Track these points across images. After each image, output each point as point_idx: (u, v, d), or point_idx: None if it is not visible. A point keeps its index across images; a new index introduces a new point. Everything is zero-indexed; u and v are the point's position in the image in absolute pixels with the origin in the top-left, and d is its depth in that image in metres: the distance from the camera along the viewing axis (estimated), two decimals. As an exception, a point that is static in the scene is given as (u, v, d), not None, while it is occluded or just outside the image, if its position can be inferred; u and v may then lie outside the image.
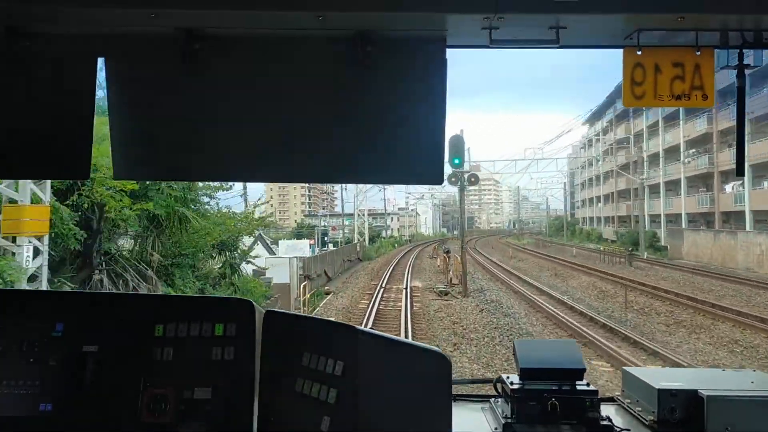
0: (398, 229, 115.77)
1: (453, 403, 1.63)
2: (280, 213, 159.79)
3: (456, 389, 2.18)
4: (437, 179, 1.82)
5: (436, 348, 1.66)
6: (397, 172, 1.87)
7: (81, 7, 1.71)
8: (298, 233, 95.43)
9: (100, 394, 1.97)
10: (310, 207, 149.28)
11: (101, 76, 1.88)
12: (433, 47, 1.81)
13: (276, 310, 2.06)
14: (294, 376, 1.83)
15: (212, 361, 1.95)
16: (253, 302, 2.02)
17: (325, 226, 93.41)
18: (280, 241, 79.85)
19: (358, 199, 72.39)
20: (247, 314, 1.98)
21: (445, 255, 36.31)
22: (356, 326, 1.78)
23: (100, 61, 1.87)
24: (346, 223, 75.89)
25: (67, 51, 1.84)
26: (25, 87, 1.87)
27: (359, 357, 1.68)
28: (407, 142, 1.83)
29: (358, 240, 64.57)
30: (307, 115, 1.84)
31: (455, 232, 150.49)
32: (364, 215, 75.35)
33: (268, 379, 1.92)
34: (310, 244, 75.11)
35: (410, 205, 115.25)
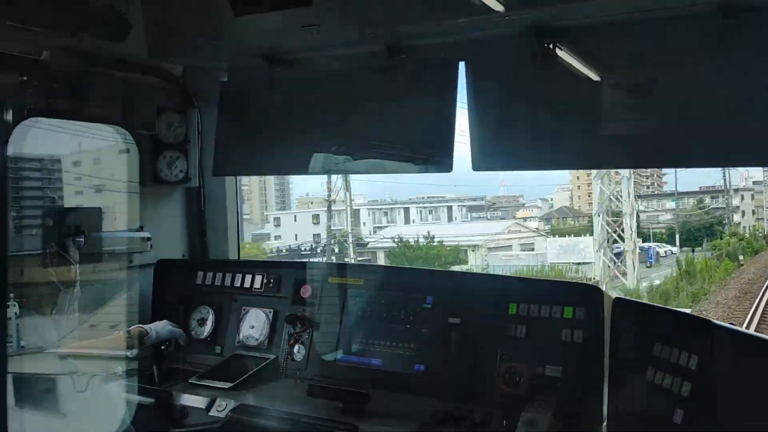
0: (753, 212, 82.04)
1: None
2: (587, 196, 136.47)
3: None
4: None
5: None
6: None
7: (446, 19, 1.93)
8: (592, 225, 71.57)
9: (463, 362, 2.33)
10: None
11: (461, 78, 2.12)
12: None
13: (625, 297, 2.10)
14: (644, 365, 1.83)
15: (562, 342, 2.13)
16: (602, 288, 2.08)
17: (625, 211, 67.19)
18: (549, 239, 57.72)
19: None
20: (596, 300, 2.08)
21: None
22: (713, 320, 1.70)
23: (461, 65, 2.12)
24: (671, 204, 49.19)
25: (434, 59, 2.14)
26: (413, 96, 2.15)
27: (717, 352, 1.57)
28: None
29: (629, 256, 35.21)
30: (671, 95, 1.86)
31: None
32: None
33: (617, 365, 1.96)
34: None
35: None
